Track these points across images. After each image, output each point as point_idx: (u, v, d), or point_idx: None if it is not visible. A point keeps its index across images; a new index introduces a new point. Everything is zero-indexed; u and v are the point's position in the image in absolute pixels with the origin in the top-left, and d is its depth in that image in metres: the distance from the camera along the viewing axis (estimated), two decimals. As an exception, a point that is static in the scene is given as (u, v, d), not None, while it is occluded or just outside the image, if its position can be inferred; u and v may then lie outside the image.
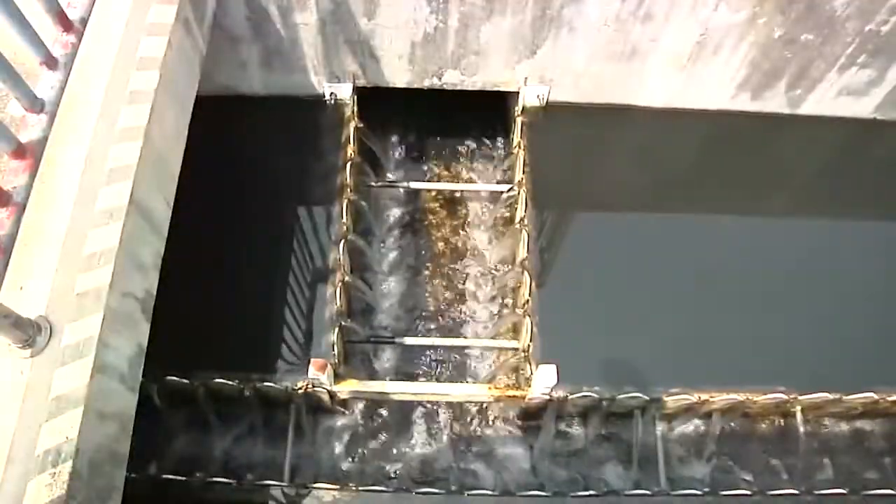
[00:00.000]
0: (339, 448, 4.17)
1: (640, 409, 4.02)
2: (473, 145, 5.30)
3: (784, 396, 3.91)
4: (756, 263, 4.49)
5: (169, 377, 3.67)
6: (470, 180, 5.14)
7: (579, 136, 4.96)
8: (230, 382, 3.73)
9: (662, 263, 4.44)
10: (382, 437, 4.25)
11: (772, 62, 4.43)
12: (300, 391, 3.76)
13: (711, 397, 3.88)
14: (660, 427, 4.16)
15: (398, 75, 4.55)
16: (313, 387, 3.74)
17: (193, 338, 3.90)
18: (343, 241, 4.13)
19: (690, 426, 4.23)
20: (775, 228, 4.72)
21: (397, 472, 4.15)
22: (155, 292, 2.98)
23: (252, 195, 4.49)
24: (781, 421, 4.27)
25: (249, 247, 4.34)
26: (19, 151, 2.20)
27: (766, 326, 4.24)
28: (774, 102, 4.80)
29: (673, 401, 3.92)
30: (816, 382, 3.92)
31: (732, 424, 4.22)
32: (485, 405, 4.33)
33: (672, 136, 4.95)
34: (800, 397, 3.95)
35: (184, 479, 3.80)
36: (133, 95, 2.83)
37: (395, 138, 5.28)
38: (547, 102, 4.71)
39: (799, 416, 4.03)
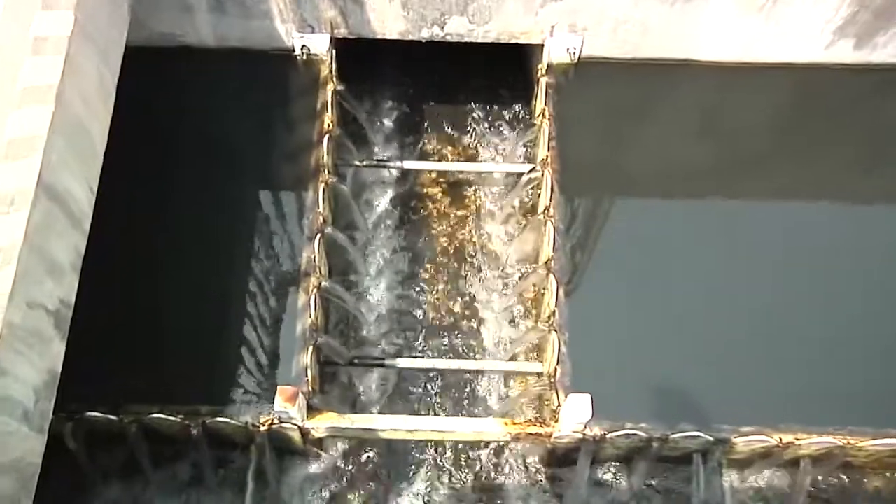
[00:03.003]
0: (312, 501, 4.18)
1: (702, 454, 3.94)
2: (485, 114, 5.30)
3: (900, 442, 3.78)
4: (857, 262, 4.35)
5: (90, 413, 3.60)
6: (481, 159, 5.14)
7: (621, 100, 4.87)
8: (171, 418, 3.67)
9: (729, 263, 4.33)
10: (368, 487, 4.24)
11: (886, -6, 4.25)
12: (263, 428, 3.72)
13: (797, 439, 3.77)
14: (728, 477, 4.13)
15: (389, 24, 4.49)
16: (280, 422, 3.70)
17: (124, 360, 3.84)
18: (319, 235, 4.10)
19: (770, 477, 4.19)
20: (885, 216, 4.60)
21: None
22: (73, 302, 2.96)
23: (201, 177, 4.42)
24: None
25: (198, 243, 4.27)
26: None
27: (871, 345, 4.11)
28: (887, 51, 4.66)
29: (744, 443, 3.82)
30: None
31: (834, 478, 4.14)
32: (500, 446, 4.32)
33: (745, 99, 4.85)
34: (926, 444, 3.81)
35: (109, 546, 3.80)
36: (38, 43, 2.74)
37: (385, 105, 5.29)
38: (579, 58, 4.66)
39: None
